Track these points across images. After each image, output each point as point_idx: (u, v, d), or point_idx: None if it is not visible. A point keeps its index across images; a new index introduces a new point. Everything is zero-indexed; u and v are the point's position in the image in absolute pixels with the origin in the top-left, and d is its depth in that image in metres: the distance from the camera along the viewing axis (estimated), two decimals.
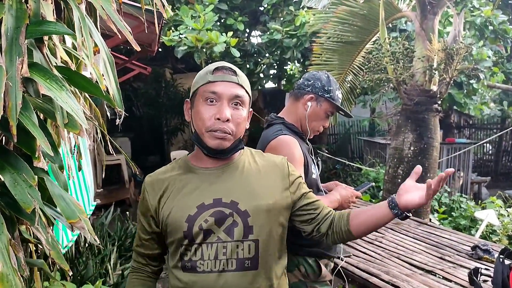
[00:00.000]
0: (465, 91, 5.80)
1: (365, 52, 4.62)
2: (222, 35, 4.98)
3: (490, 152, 10.31)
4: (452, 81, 4.09)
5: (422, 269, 2.44)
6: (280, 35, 5.51)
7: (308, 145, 1.86)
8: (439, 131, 4.37)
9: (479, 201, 5.89)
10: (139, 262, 1.32)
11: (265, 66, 5.95)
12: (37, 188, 0.85)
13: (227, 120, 1.15)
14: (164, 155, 9.09)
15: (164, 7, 1.29)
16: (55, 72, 0.87)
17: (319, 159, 1.94)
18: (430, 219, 4.39)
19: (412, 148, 4.11)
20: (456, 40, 3.95)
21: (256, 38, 7.07)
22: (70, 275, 1.06)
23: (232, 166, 1.24)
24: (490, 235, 4.21)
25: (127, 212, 4.91)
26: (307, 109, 1.79)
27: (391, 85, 4.33)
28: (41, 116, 0.99)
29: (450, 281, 2.25)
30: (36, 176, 0.88)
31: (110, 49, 1.12)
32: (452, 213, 4.98)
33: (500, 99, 7.82)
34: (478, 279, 2.17)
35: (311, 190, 1.36)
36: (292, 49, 5.54)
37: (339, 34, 4.62)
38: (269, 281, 1.22)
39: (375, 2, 4.25)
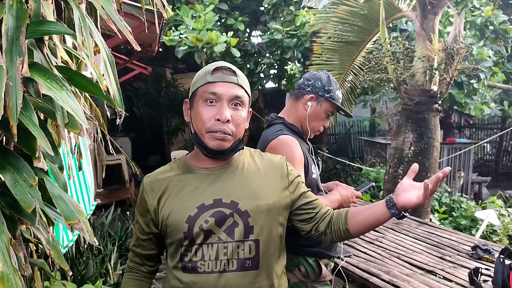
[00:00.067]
0: (466, 91, 5.80)
1: (365, 52, 4.62)
2: (222, 35, 4.98)
3: (490, 152, 10.31)
4: (452, 81, 4.09)
5: (423, 269, 2.44)
6: (281, 35, 5.51)
7: (308, 145, 1.86)
8: (440, 131, 4.37)
9: (480, 201, 5.89)
10: (135, 262, 1.32)
11: (265, 66, 5.95)
12: (37, 188, 0.85)
13: (227, 121, 1.15)
14: (164, 155, 9.10)
15: (164, 7, 1.29)
16: (56, 72, 0.87)
17: (319, 159, 1.94)
18: (431, 219, 4.39)
19: (412, 148, 4.11)
20: (456, 40, 3.94)
21: (256, 38, 7.07)
22: (70, 275, 1.06)
23: (232, 166, 1.24)
24: (491, 235, 4.21)
25: (128, 212, 4.92)
26: (307, 109, 1.79)
27: (392, 85, 4.32)
28: (42, 116, 1.00)
29: (451, 281, 2.25)
30: (37, 176, 0.88)
31: (110, 49, 1.12)
32: (453, 213, 4.99)
33: (501, 99, 7.82)
34: (478, 279, 2.17)
35: (310, 189, 1.37)
36: (292, 49, 5.53)
37: (340, 34, 4.62)
38: (270, 281, 1.22)
39: (376, 2, 4.25)
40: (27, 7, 0.83)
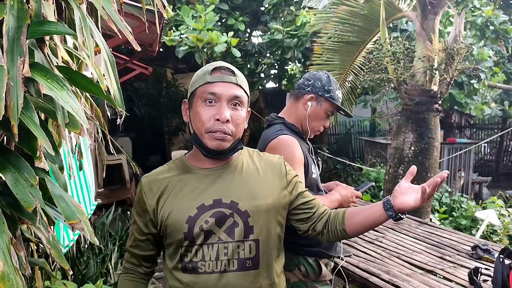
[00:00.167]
0: (466, 91, 5.80)
1: (365, 52, 4.62)
2: (223, 35, 4.98)
3: (488, 152, 10.30)
4: (453, 81, 4.09)
5: (423, 268, 2.44)
6: (281, 35, 5.51)
7: (308, 145, 1.86)
8: (440, 131, 4.37)
9: (480, 201, 5.88)
10: (132, 263, 1.30)
11: (266, 66, 5.95)
12: (38, 188, 0.86)
13: (227, 121, 1.15)
14: (165, 155, 9.10)
15: (164, 7, 1.29)
16: (56, 72, 0.87)
17: (319, 158, 1.94)
18: (431, 219, 4.39)
19: (412, 148, 4.11)
20: (456, 40, 3.94)
21: (257, 38, 7.07)
22: (71, 274, 1.07)
23: (231, 166, 1.24)
24: (491, 235, 4.21)
25: (128, 212, 4.92)
26: (307, 109, 1.80)
27: (392, 85, 4.32)
28: (42, 115, 1.00)
29: (451, 280, 2.25)
30: (37, 176, 0.88)
31: (111, 49, 1.12)
32: (453, 213, 4.99)
33: (501, 99, 7.81)
34: (478, 278, 2.17)
35: (307, 189, 1.37)
36: (293, 49, 5.53)
37: (340, 34, 4.62)
38: (270, 280, 1.23)
39: (376, 2, 4.25)
40: (28, 7, 0.84)
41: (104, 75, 1.03)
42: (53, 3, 0.97)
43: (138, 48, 1.10)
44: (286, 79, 6.67)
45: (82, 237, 3.49)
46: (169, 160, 1.34)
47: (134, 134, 7.94)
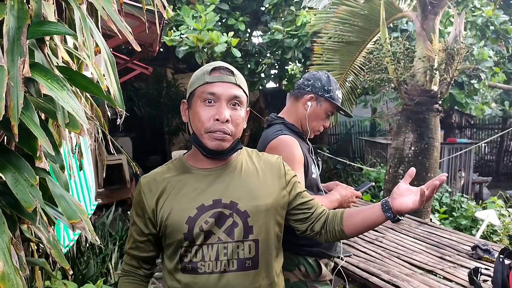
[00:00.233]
0: (466, 91, 5.80)
1: (366, 52, 4.62)
2: (223, 35, 4.98)
3: (489, 152, 10.30)
4: (453, 81, 4.09)
5: (422, 268, 2.44)
6: (281, 35, 5.51)
7: (308, 145, 1.86)
8: (440, 131, 4.37)
9: (480, 201, 5.88)
10: (132, 265, 1.29)
11: (266, 66, 5.95)
12: (38, 188, 0.86)
13: (226, 121, 1.15)
14: (165, 155, 9.11)
15: (164, 8, 1.29)
16: (56, 72, 0.88)
17: (319, 158, 1.94)
18: (431, 219, 4.39)
19: (412, 148, 4.11)
20: (457, 40, 3.94)
21: (257, 38, 7.07)
22: (71, 274, 1.07)
23: (230, 166, 1.24)
24: (491, 235, 4.21)
25: (128, 212, 4.91)
26: (307, 109, 1.80)
27: (392, 85, 4.32)
28: (43, 116, 1.00)
29: (451, 281, 2.26)
30: (38, 176, 0.88)
31: (111, 49, 1.13)
32: (453, 213, 4.99)
33: (502, 99, 7.81)
34: (478, 279, 2.17)
35: (306, 189, 1.37)
36: (293, 49, 5.53)
37: (340, 34, 4.62)
38: (269, 280, 1.23)
39: (376, 2, 4.25)
40: (28, 7, 0.84)
41: (104, 75, 1.03)
42: (53, 3, 0.98)
43: (138, 48, 1.11)
44: (286, 79, 6.67)
45: (82, 237, 3.50)
46: (170, 160, 1.34)
47: (134, 134, 7.95)
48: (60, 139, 1.15)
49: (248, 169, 1.26)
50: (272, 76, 6.64)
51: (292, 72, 6.31)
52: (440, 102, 4.15)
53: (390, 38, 4.37)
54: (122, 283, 1.29)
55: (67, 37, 1.21)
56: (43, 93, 0.93)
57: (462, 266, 2.46)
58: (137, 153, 8.17)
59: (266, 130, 1.82)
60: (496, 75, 5.89)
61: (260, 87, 6.48)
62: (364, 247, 2.78)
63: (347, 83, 4.81)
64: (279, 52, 5.70)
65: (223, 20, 5.77)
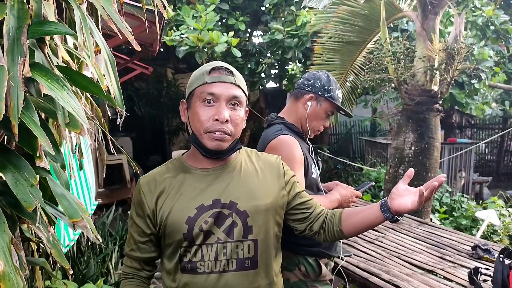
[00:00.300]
0: (467, 91, 5.79)
1: (366, 52, 4.62)
2: (223, 35, 4.98)
3: (489, 152, 10.29)
4: (453, 81, 4.09)
5: (423, 268, 2.44)
6: (282, 35, 5.51)
7: (308, 145, 1.86)
8: (441, 131, 4.36)
9: (481, 201, 5.88)
10: (133, 268, 1.27)
11: (266, 66, 5.95)
12: (38, 187, 0.86)
13: (226, 121, 1.15)
14: (165, 154, 9.11)
15: (165, 7, 1.29)
16: (57, 72, 0.88)
17: (319, 158, 1.94)
18: (431, 219, 4.39)
19: (413, 148, 4.11)
20: (457, 40, 3.94)
21: (257, 38, 7.07)
22: (71, 274, 1.07)
23: (230, 166, 1.24)
24: (491, 235, 4.21)
25: (129, 212, 4.92)
26: (307, 109, 1.80)
27: (392, 85, 4.32)
28: (43, 115, 1.00)
29: (451, 280, 2.26)
30: (38, 176, 0.88)
31: (111, 49, 1.13)
32: (453, 213, 4.99)
33: (502, 99, 7.80)
34: (478, 278, 2.17)
35: (305, 189, 1.37)
36: (293, 49, 5.53)
37: (340, 34, 4.62)
38: (268, 279, 1.23)
39: (376, 2, 4.25)
40: (28, 7, 0.84)
41: (104, 75, 1.03)
42: (53, 3, 0.98)
43: (139, 48, 1.11)
44: (286, 79, 6.67)
45: (82, 237, 3.50)
46: (169, 160, 1.34)
47: (134, 134, 7.95)
48: (61, 139, 1.15)
49: (248, 169, 1.26)
50: (272, 76, 6.64)
51: (292, 72, 6.31)
52: (440, 102, 4.15)
53: (391, 38, 4.37)
54: (125, 286, 1.27)
55: (67, 37, 1.21)
56: (43, 93, 0.93)
57: (462, 266, 2.46)
58: (137, 153, 8.17)
59: (266, 130, 1.82)
60: (496, 75, 5.89)
61: (260, 87, 6.48)
62: (364, 247, 2.78)
63: (347, 83, 4.81)
64: (279, 52, 5.70)
65: (223, 20, 5.77)
